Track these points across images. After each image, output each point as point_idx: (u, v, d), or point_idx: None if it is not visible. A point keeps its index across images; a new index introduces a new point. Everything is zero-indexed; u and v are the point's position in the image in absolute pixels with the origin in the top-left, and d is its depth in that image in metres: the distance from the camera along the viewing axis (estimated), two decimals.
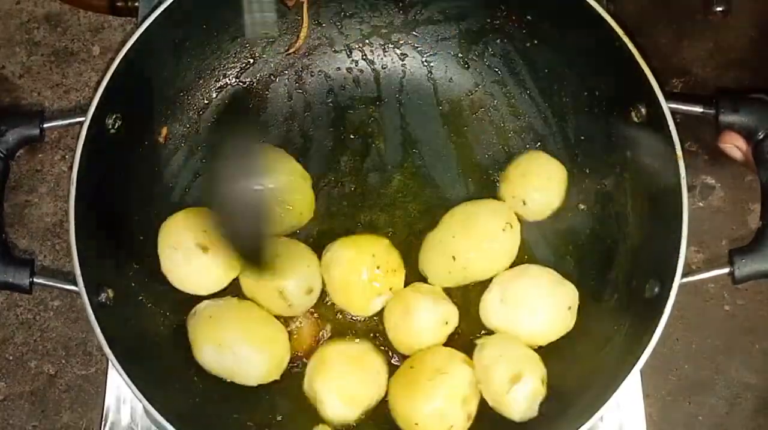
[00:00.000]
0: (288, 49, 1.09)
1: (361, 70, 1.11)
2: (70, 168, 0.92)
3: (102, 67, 1.14)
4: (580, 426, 0.88)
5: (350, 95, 1.11)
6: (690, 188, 1.07)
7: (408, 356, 1.00)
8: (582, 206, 1.05)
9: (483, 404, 0.98)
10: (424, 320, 0.98)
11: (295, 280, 0.99)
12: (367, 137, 1.09)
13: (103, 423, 0.99)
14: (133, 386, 0.88)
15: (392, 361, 1.01)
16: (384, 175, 1.08)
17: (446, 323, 0.99)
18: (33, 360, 1.06)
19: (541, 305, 0.98)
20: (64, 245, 1.08)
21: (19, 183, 1.10)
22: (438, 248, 1.01)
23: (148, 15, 0.96)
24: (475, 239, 1.00)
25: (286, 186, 1.02)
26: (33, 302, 1.08)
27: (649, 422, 1.00)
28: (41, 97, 1.14)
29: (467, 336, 1.01)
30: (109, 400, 0.99)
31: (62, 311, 1.07)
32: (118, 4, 1.13)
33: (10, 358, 1.06)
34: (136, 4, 1.10)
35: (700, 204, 1.11)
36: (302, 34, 1.07)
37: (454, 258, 0.99)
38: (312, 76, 1.11)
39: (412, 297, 0.99)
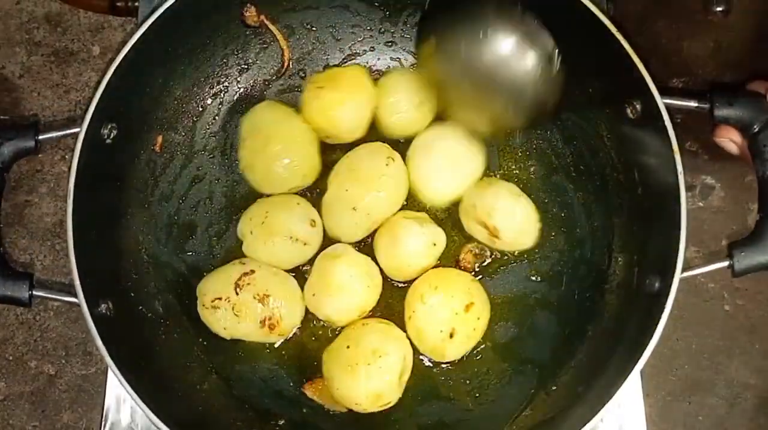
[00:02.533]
0: (280, 69, 1.09)
1: None
2: (70, 168, 0.92)
3: (102, 67, 1.14)
4: (582, 426, 0.88)
5: None
6: (690, 188, 1.09)
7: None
8: (580, 203, 1.05)
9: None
10: (413, 245, 1.00)
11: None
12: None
13: (103, 423, 0.99)
14: (135, 395, 0.88)
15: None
16: None
17: (434, 244, 1.01)
18: (33, 360, 1.06)
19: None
20: (64, 245, 1.06)
21: (19, 183, 1.10)
22: (336, 206, 1.03)
23: (143, 23, 0.96)
24: (364, 182, 1.02)
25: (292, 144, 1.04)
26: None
27: (649, 422, 1.00)
28: (41, 97, 1.14)
29: None
30: (109, 400, 0.99)
31: (62, 311, 1.07)
32: (118, 4, 1.13)
33: (10, 358, 1.06)
34: (136, 4, 1.10)
35: (700, 204, 1.10)
36: (285, 54, 1.08)
37: (354, 209, 1.01)
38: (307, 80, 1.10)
39: (399, 224, 1.01)
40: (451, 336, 0.98)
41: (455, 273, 1.02)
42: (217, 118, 1.09)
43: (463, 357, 1.02)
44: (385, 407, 0.98)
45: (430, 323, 0.99)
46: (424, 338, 1.00)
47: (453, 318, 0.98)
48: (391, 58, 1.11)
